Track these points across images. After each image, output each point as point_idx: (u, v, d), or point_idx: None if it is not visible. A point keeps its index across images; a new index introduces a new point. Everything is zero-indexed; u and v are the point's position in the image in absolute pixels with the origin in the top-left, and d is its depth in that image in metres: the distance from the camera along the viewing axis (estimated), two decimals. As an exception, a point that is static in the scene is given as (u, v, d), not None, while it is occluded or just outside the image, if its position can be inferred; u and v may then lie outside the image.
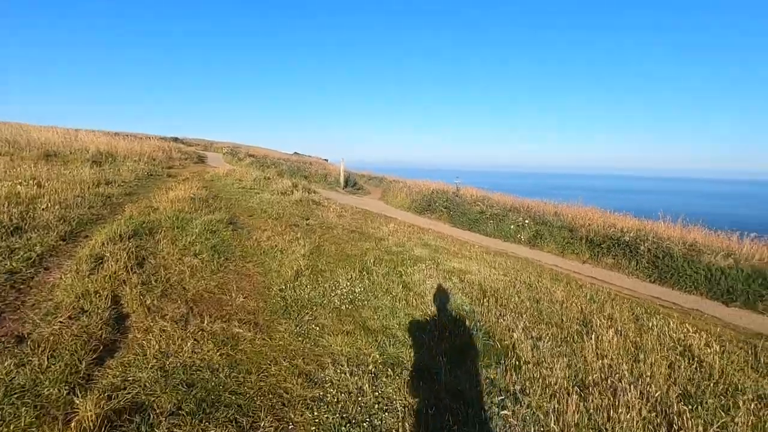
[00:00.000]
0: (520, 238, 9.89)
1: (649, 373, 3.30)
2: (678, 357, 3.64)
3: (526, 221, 10.06)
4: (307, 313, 3.83)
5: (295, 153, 53.79)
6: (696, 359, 3.64)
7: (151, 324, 3.22)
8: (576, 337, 3.87)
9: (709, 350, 3.76)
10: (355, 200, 14.74)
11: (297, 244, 6.14)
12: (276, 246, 5.91)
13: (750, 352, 4.26)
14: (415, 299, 4.38)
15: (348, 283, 4.70)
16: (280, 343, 3.26)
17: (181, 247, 5.00)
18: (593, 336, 3.76)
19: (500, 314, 4.21)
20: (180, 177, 12.99)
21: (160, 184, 10.31)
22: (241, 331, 3.37)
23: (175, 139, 38.67)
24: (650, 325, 4.36)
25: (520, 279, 5.71)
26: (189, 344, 2.99)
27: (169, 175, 13.44)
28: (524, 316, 4.24)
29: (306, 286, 4.46)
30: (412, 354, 3.26)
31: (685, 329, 4.31)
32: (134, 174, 11.25)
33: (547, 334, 3.85)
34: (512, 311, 4.34)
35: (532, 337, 3.72)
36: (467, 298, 4.65)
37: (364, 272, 5.19)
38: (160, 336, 3.05)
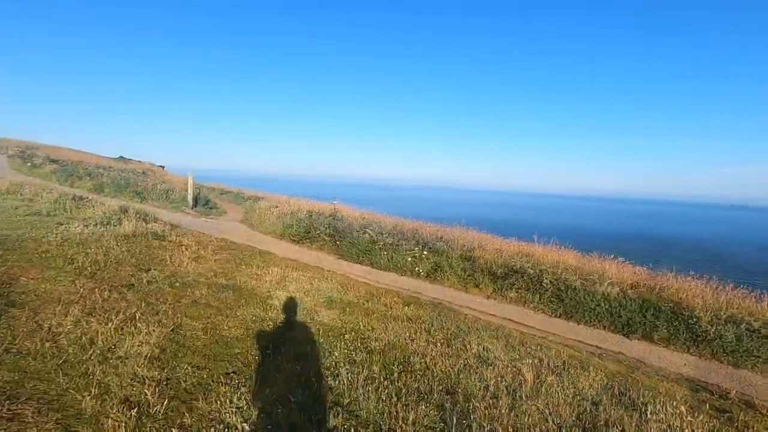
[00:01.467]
0: (418, 271, 8.87)
1: None
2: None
3: (424, 252, 9.13)
4: None
5: (121, 158, 44.18)
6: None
7: None
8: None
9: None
10: (211, 225, 11.81)
11: (134, 330, 3.69)
12: (92, 341, 3.38)
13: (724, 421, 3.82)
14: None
15: (241, 418, 2.65)
16: None
17: None
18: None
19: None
20: None
21: None
22: None
23: None
24: (648, 413, 3.53)
25: (470, 351, 4.45)
26: None
27: None
28: (523, 435, 2.93)
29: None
30: None
31: (679, 412, 3.61)
32: None
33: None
34: (499, 425, 2.98)
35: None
36: (434, 410, 3.11)
37: (266, 384, 3.17)
38: None
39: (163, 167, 42.35)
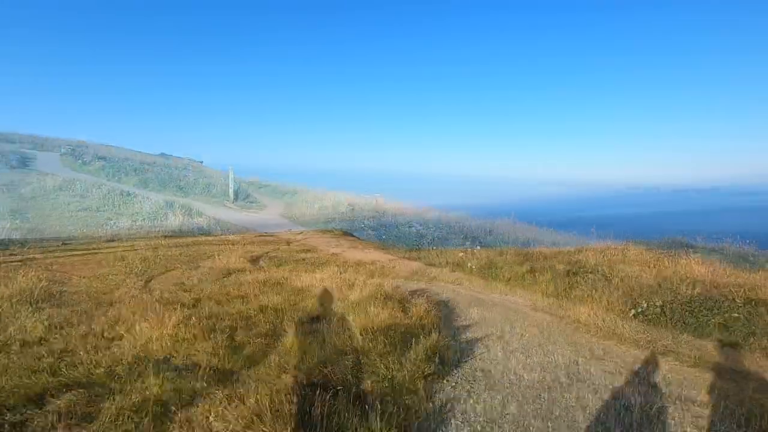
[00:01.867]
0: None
1: None
2: None
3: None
4: None
5: (162, 154, 45.65)
6: None
7: None
8: None
9: None
10: (253, 219, 11.64)
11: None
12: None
13: None
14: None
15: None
16: None
17: None
18: None
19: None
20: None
21: None
22: None
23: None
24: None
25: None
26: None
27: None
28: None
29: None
30: None
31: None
32: None
33: None
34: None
35: None
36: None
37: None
38: None
39: (202, 162, 43.40)
